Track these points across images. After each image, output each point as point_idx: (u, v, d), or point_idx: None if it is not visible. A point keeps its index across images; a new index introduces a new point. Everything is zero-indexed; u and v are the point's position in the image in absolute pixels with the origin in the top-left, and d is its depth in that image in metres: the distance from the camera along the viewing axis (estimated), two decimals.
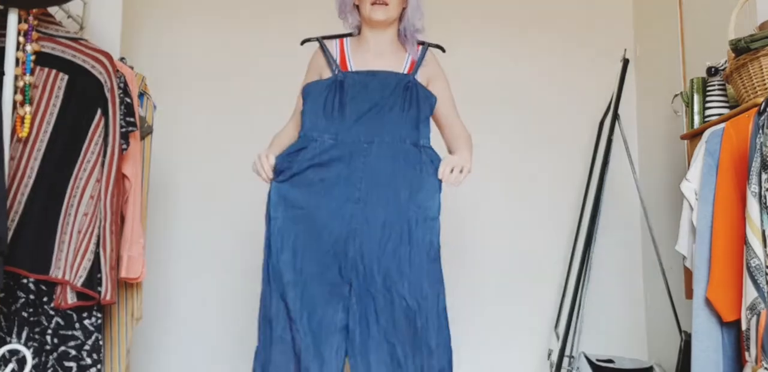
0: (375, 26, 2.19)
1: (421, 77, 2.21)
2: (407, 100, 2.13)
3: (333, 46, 2.23)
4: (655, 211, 3.23)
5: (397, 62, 2.21)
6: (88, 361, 2.05)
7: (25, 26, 2.04)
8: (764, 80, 2.03)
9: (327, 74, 2.18)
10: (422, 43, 2.28)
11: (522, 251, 3.48)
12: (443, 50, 2.33)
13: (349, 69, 2.16)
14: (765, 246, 1.77)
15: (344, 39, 2.25)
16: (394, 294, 1.98)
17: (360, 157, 2.05)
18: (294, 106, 2.30)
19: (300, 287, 2.01)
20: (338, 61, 2.18)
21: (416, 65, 2.22)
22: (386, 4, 2.13)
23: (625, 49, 3.34)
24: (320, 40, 2.24)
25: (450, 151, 2.27)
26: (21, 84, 2.03)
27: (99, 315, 2.09)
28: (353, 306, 2.00)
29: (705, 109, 2.48)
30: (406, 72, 2.19)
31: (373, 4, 2.13)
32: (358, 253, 2.00)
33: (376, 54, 2.20)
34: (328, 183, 2.04)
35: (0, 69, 1.99)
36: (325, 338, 1.99)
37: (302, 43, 2.26)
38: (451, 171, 2.07)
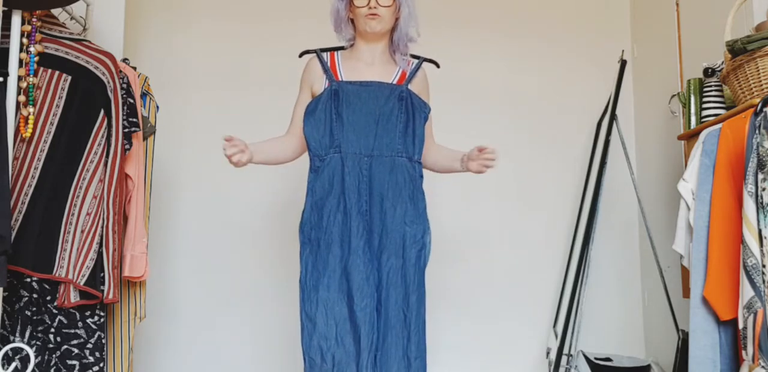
0: (369, 39, 2.26)
1: (413, 88, 2.27)
2: (402, 110, 2.21)
3: (326, 57, 2.29)
4: (653, 210, 3.25)
5: (387, 73, 2.27)
6: (91, 359, 2.06)
7: (28, 28, 2.05)
8: (760, 81, 2.04)
9: (319, 85, 2.24)
10: (416, 57, 2.33)
11: (520, 250, 3.49)
12: (437, 66, 2.37)
13: (340, 79, 2.23)
14: (761, 245, 1.78)
15: (335, 52, 2.31)
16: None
17: (364, 171, 2.15)
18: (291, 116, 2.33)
19: (324, 302, 2.09)
20: (330, 71, 2.25)
21: (408, 77, 2.27)
22: (378, 15, 2.18)
23: (623, 51, 3.35)
24: (317, 51, 2.31)
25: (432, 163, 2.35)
26: (24, 85, 2.04)
27: (102, 314, 2.10)
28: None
29: (702, 109, 2.49)
30: (396, 83, 2.24)
31: (366, 16, 2.18)
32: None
33: (367, 64, 2.26)
34: (340, 197, 2.14)
35: (3, 70, 1.99)
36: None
37: (300, 55, 2.33)
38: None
